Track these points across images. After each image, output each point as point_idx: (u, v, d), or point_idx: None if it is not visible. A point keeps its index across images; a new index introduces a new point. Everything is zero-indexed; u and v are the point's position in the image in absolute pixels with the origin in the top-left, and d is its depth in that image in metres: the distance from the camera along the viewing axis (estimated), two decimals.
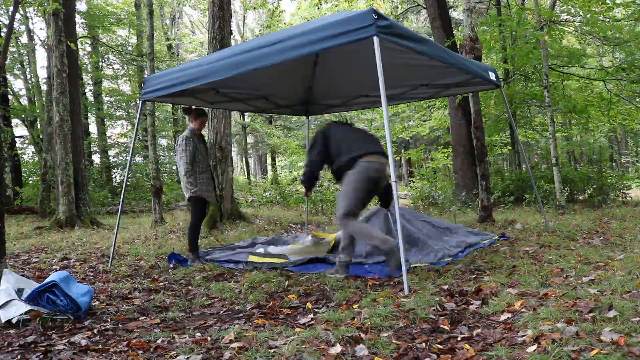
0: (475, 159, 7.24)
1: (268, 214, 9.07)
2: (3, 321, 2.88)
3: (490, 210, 6.89)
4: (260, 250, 5.15)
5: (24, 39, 16.78)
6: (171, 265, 4.82)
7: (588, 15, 9.02)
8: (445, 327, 2.47)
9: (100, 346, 2.47)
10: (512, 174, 11.11)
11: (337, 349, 2.19)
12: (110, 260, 4.99)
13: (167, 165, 19.61)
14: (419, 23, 21.48)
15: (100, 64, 18.85)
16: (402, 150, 24.18)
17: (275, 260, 4.72)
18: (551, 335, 2.14)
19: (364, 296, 3.20)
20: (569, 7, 10.44)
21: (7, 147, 14.25)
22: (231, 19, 7.97)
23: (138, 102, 16.20)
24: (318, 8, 12.69)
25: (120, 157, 18.63)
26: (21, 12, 15.85)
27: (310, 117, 7.60)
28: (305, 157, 4.33)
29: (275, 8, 12.68)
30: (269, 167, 26.22)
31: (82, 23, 16.37)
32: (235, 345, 2.34)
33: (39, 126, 15.97)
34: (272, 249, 5.19)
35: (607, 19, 10.08)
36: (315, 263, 4.50)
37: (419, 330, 2.46)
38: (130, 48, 18.09)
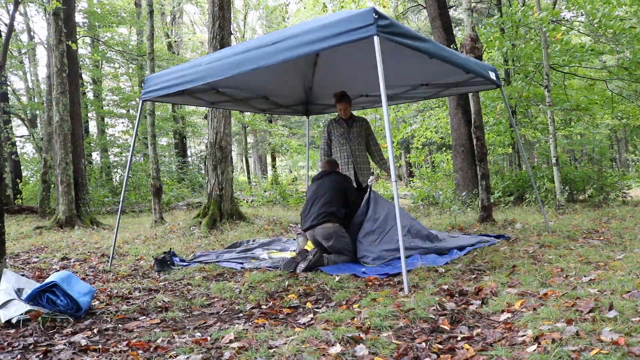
0: (475, 159, 7.24)
1: (268, 214, 9.07)
2: (3, 321, 2.88)
3: (490, 210, 6.89)
4: (264, 256, 5.16)
5: (24, 38, 16.80)
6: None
7: (598, 15, 8.95)
8: (445, 327, 2.47)
9: (100, 346, 2.47)
10: (513, 174, 11.11)
11: (337, 348, 2.19)
12: (110, 260, 4.99)
13: (167, 165, 19.61)
14: (419, 23, 21.45)
15: (101, 62, 18.85)
16: (403, 152, 24.16)
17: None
18: (551, 335, 2.14)
19: (364, 296, 3.20)
20: (571, 4, 10.40)
21: (7, 147, 14.25)
22: (231, 18, 7.97)
23: (138, 101, 16.20)
24: (325, 11, 12.69)
25: (120, 157, 18.62)
26: (21, 10, 15.86)
27: (310, 116, 7.60)
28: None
29: (283, 8, 12.68)
30: (269, 167, 26.22)
31: (83, 23, 16.37)
32: (235, 345, 2.34)
33: (39, 126, 15.98)
34: (272, 253, 5.22)
35: (612, 19, 10.05)
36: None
37: (419, 330, 2.46)
38: (130, 46, 18.07)
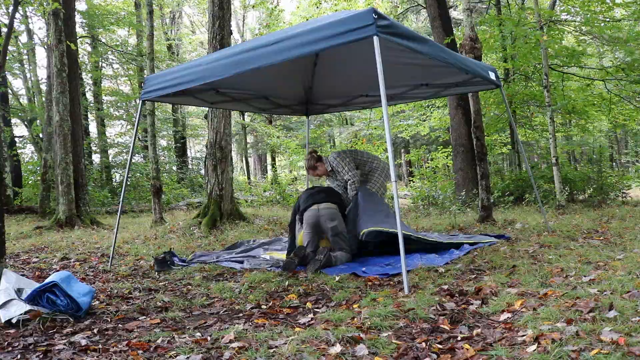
0: (475, 159, 7.24)
1: (268, 214, 9.07)
2: (3, 321, 2.88)
3: (490, 210, 6.89)
4: (265, 256, 5.16)
5: (23, 38, 16.77)
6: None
7: (588, 15, 9.00)
8: (445, 327, 2.47)
9: (100, 346, 2.47)
10: (512, 174, 11.11)
11: (337, 348, 2.19)
12: (110, 260, 4.99)
13: (167, 165, 19.60)
14: (419, 23, 21.45)
15: (100, 63, 18.85)
16: (403, 151, 24.18)
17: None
18: (551, 335, 2.14)
19: (364, 296, 3.20)
20: (569, 6, 10.43)
21: (7, 147, 14.25)
22: (231, 18, 7.97)
23: (138, 101, 16.19)
24: (317, 7, 12.68)
25: (120, 157, 18.62)
26: (21, 11, 15.83)
27: (310, 116, 7.61)
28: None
29: (274, 7, 12.70)
30: (269, 167, 26.22)
31: (82, 22, 16.36)
32: (235, 345, 2.34)
33: (39, 125, 15.95)
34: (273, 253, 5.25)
35: (607, 19, 10.07)
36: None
37: (419, 330, 2.46)
38: (130, 48, 18.08)
